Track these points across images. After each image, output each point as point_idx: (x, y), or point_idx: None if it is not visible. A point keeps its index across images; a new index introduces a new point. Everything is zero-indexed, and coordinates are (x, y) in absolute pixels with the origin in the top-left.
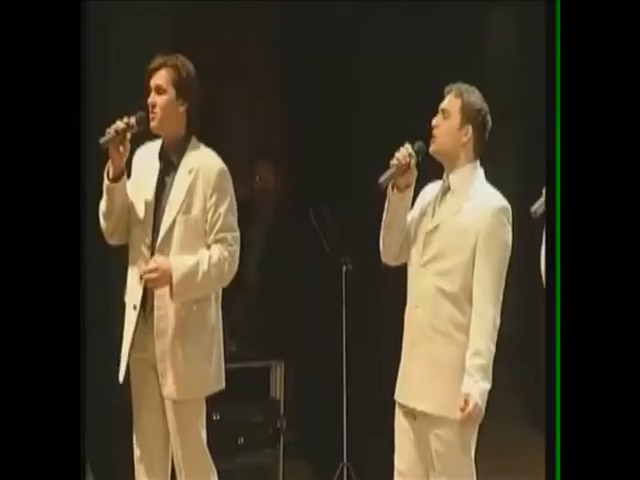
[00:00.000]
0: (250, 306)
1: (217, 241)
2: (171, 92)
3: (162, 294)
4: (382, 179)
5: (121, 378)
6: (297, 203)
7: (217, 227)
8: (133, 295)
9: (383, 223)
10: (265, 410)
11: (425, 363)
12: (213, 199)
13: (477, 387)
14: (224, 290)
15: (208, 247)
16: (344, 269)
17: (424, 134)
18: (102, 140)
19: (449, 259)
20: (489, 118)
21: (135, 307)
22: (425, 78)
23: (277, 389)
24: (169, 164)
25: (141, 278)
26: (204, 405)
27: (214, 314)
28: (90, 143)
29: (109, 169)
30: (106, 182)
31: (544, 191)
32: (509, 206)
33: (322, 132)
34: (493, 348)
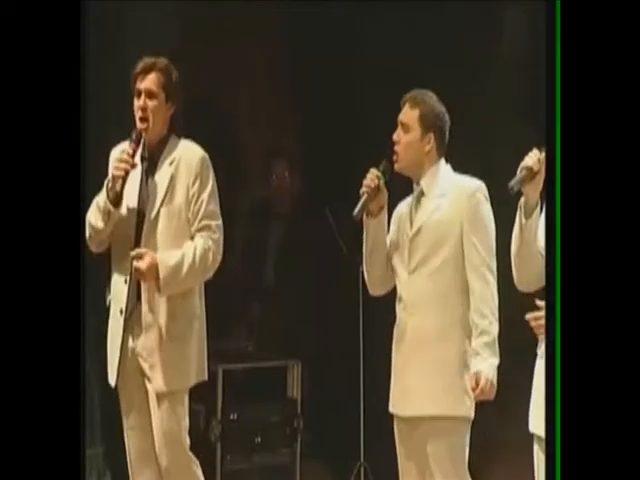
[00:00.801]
0: (267, 306)
1: (201, 229)
2: (161, 96)
3: (148, 288)
4: (357, 211)
5: (112, 382)
6: (314, 202)
7: (200, 214)
8: (119, 298)
9: (365, 253)
10: (282, 410)
11: (424, 368)
12: (195, 186)
13: (486, 364)
14: (241, 290)
15: (192, 237)
16: (361, 269)
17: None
18: (112, 202)
19: (437, 256)
20: (447, 117)
21: (122, 311)
22: (432, 78)
23: (294, 389)
24: (150, 161)
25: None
26: (187, 399)
27: (198, 304)
28: (90, 143)
29: (110, 193)
30: (108, 205)
31: (519, 169)
32: (483, 183)
33: (339, 130)
34: (496, 323)
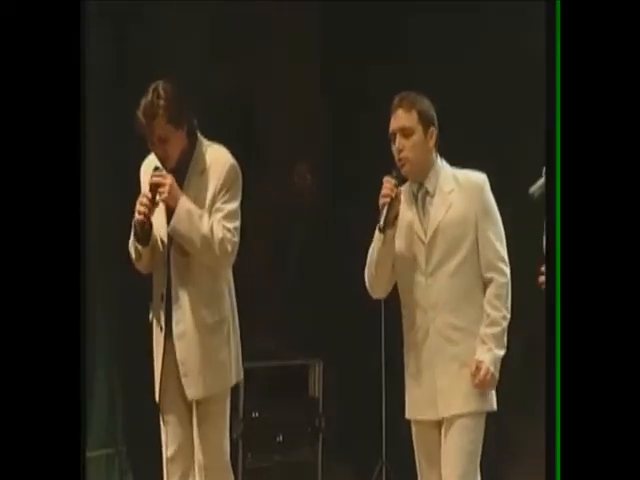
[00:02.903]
0: (289, 305)
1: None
2: (172, 131)
3: (178, 297)
4: (382, 222)
5: (157, 398)
6: (335, 202)
7: (220, 215)
8: (158, 315)
9: (375, 262)
10: (304, 409)
11: (453, 367)
12: (220, 193)
13: (490, 355)
14: (263, 289)
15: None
16: None
17: (459, 133)
18: (144, 235)
19: (457, 255)
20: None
21: (161, 328)
22: (452, 83)
23: (316, 388)
24: (180, 171)
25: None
26: (228, 401)
27: (228, 307)
28: (92, 143)
29: (137, 234)
30: (137, 245)
31: (543, 172)
32: (484, 174)
33: (361, 131)
34: (508, 316)
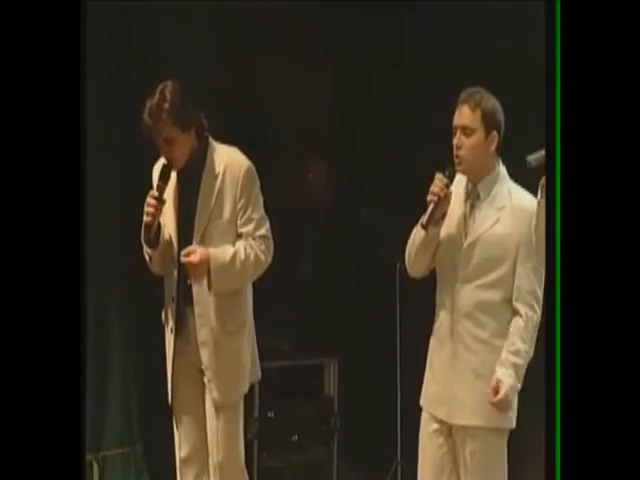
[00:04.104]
0: (303, 304)
1: (255, 238)
2: (178, 133)
3: (200, 302)
4: (425, 220)
5: (170, 400)
6: (349, 201)
7: (251, 227)
8: (169, 316)
9: (415, 250)
10: (319, 408)
11: (469, 376)
12: (242, 201)
13: (510, 380)
14: (277, 287)
15: (245, 239)
16: (398, 266)
17: None
18: (152, 236)
19: (493, 271)
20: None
21: (172, 330)
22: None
23: (331, 387)
24: (191, 173)
25: (179, 266)
26: (242, 402)
27: (249, 310)
28: (92, 145)
29: (146, 237)
30: (147, 248)
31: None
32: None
33: (376, 131)
34: (532, 352)
